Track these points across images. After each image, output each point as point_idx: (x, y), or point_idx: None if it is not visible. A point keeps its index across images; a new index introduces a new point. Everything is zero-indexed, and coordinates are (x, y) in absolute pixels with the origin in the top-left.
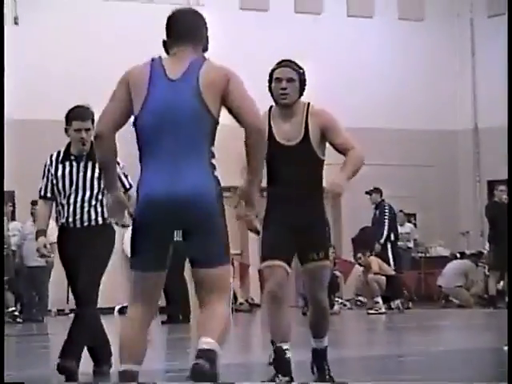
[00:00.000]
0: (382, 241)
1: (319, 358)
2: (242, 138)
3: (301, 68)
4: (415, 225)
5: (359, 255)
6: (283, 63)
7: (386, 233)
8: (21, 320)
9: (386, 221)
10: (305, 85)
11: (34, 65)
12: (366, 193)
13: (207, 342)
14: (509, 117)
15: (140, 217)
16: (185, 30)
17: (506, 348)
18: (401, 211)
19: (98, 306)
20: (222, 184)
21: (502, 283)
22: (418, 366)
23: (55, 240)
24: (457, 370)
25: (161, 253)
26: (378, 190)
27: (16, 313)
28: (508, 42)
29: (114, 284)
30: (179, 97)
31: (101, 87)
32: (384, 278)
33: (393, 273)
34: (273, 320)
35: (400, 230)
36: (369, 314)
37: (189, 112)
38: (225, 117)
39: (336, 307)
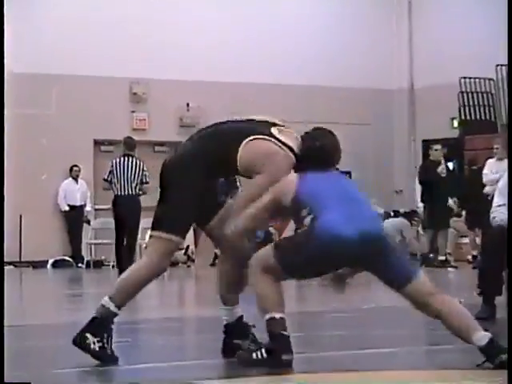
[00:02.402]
0: None
1: (241, 330)
2: (182, 93)
3: None
4: None
5: None
6: None
7: None
8: None
9: None
10: None
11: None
12: None
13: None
14: (509, 114)
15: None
16: None
17: None
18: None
19: (32, 259)
20: (160, 139)
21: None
22: (349, 322)
23: None
24: (388, 327)
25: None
26: None
27: None
28: (508, 40)
29: (47, 238)
30: None
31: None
32: None
33: None
34: None
35: None
36: None
37: None
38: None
39: None
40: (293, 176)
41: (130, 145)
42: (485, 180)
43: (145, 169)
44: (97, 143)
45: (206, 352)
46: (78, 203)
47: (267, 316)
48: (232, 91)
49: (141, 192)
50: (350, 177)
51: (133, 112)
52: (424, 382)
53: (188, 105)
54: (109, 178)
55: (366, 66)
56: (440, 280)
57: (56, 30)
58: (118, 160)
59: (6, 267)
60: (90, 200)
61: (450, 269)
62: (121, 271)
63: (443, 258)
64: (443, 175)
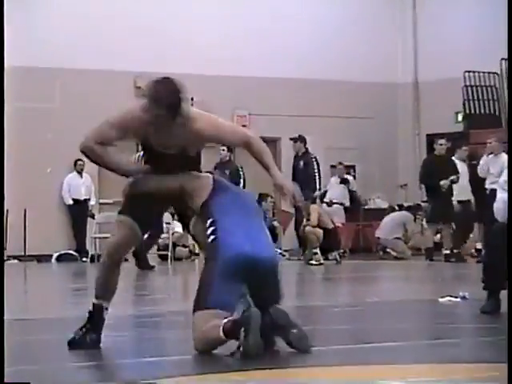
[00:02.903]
0: (317, 194)
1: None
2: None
3: None
4: (354, 177)
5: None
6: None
7: (318, 187)
8: None
9: (317, 174)
10: None
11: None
12: (291, 139)
13: None
14: (509, 114)
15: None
16: None
17: (440, 300)
18: (340, 163)
19: (37, 253)
20: None
21: (438, 236)
22: (354, 316)
23: None
24: (393, 321)
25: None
26: (302, 139)
27: None
28: (508, 40)
29: (52, 232)
30: None
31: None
32: (321, 230)
33: (331, 226)
34: None
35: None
36: (309, 264)
37: None
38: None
39: None
40: (210, 180)
41: None
42: (480, 174)
43: None
44: None
45: None
46: (82, 197)
47: (221, 335)
48: (234, 85)
49: None
50: (354, 171)
51: None
52: (429, 375)
53: (192, 99)
54: None
55: (370, 59)
56: (444, 274)
57: (59, 23)
58: None
59: (10, 261)
60: (95, 194)
61: (460, 263)
62: (139, 265)
63: (447, 251)
64: (443, 190)
